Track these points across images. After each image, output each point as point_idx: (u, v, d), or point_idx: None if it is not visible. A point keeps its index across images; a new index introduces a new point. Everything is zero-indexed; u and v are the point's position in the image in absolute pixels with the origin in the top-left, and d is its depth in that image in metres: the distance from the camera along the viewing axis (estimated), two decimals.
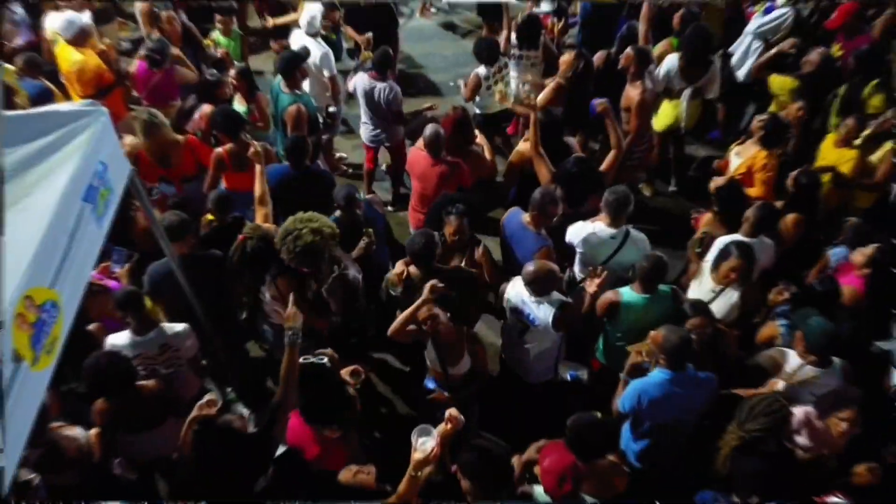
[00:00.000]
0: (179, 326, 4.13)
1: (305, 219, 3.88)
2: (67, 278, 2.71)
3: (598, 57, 6.03)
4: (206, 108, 5.71)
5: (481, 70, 6.14)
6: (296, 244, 3.79)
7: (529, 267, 4.06)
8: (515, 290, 4.23)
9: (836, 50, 6.12)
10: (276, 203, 4.82)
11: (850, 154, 5.18)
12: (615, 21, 6.84)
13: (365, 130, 6.20)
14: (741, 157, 5.30)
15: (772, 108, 5.93)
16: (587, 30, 7.18)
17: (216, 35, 6.47)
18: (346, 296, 4.04)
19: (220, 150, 5.16)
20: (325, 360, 3.60)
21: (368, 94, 5.89)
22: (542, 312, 4.09)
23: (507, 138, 6.99)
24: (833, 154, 5.23)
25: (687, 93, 5.96)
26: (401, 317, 3.86)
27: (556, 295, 4.10)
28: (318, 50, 6.04)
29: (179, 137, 5.24)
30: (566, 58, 5.68)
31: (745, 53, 6.47)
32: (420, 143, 5.15)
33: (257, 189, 4.49)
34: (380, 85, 5.84)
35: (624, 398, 3.78)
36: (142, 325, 3.99)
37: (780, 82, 5.79)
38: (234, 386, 5.19)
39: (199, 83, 6.05)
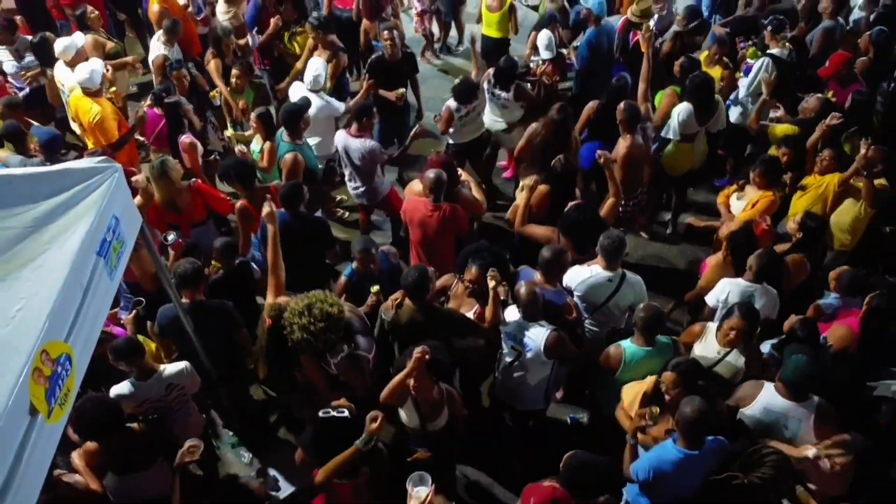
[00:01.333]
0: (180, 365, 4.20)
1: (309, 304, 3.84)
2: (81, 332, 2.81)
3: (589, 107, 6.17)
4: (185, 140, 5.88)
5: (451, 103, 6.28)
6: (304, 332, 3.81)
7: (521, 290, 4.20)
8: (509, 317, 4.35)
9: (829, 97, 6.25)
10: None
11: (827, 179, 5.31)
12: (611, 70, 7.02)
13: (349, 186, 6.18)
14: (742, 201, 5.40)
15: (772, 150, 6.05)
16: (583, 78, 7.36)
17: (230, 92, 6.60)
18: (357, 374, 4.09)
19: (241, 202, 5.26)
20: (346, 412, 3.60)
21: (346, 152, 5.90)
22: (534, 337, 4.18)
23: (479, 169, 7.02)
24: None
25: (701, 134, 6.11)
26: (391, 384, 3.84)
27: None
28: (319, 102, 6.17)
29: (188, 183, 5.36)
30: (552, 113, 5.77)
31: (743, 115, 6.63)
32: (416, 189, 5.24)
33: (270, 255, 4.35)
34: (356, 142, 5.80)
35: (637, 469, 3.75)
36: (142, 373, 4.05)
37: (781, 130, 5.88)
38: (237, 429, 5.23)
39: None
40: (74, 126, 6.49)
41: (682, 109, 5.99)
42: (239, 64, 6.56)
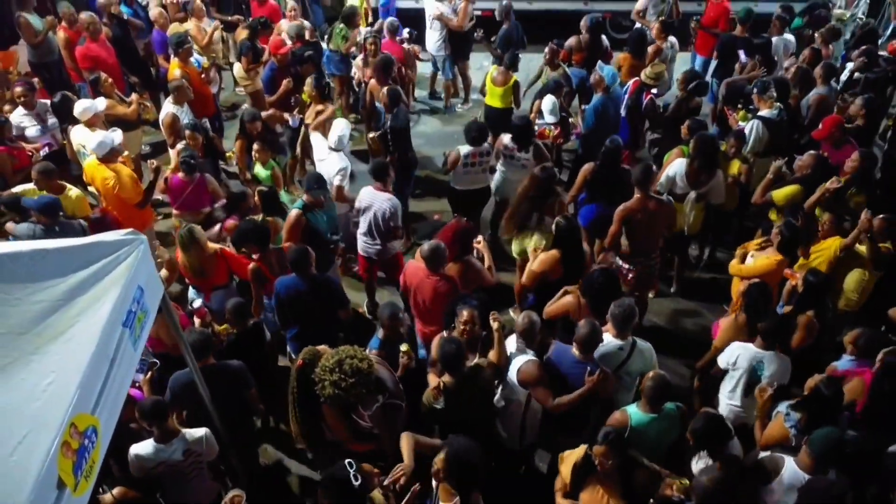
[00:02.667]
0: (200, 432, 4.24)
1: (339, 360, 3.88)
2: (107, 403, 2.87)
3: (585, 168, 6.32)
4: (230, 222, 5.96)
5: (463, 149, 6.52)
6: (335, 388, 3.85)
7: (521, 320, 4.50)
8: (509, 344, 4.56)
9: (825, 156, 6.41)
10: (288, 312, 5.04)
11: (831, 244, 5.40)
12: (616, 134, 7.20)
13: (361, 241, 6.23)
14: (755, 259, 5.46)
15: (772, 215, 6.20)
16: (589, 141, 7.51)
17: (256, 169, 6.68)
18: (390, 424, 4.12)
19: (254, 264, 5.36)
20: (360, 480, 3.52)
21: (370, 207, 6.00)
22: (515, 365, 4.36)
23: (478, 215, 7.19)
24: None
25: (691, 197, 6.22)
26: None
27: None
28: (339, 163, 6.36)
29: (216, 247, 5.47)
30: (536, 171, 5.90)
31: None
32: (418, 255, 5.33)
33: None
34: (382, 196, 5.93)
35: None
36: (165, 434, 4.09)
37: (784, 194, 5.99)
38: (244, 489, 5.21)
39: (227, 196, 6.39)
40: (91, 188, 6.64)
41: (674, 165, 6.17)
42: (259, 140, 6.67)
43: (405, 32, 8.71)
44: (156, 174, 6.19)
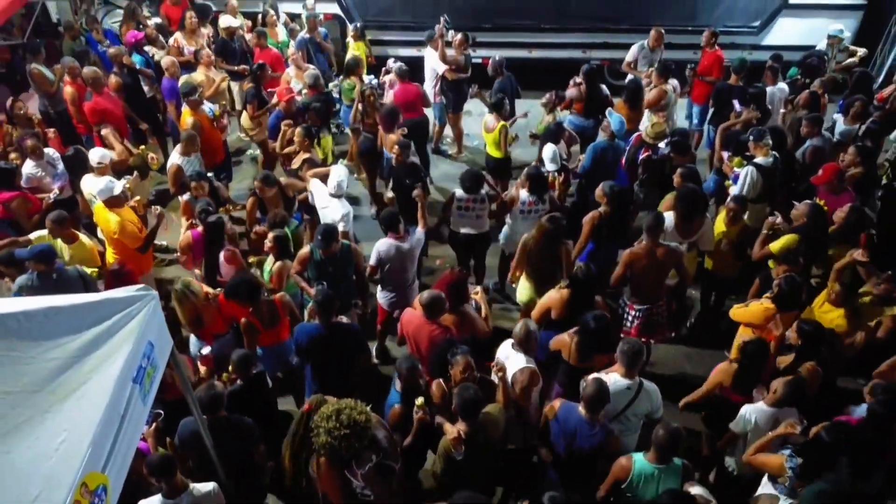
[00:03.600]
0: (208, 486, 4.24)
1: (338, 409, 3.89)
2: (117, 460, 2.92)
3: (592, 216, 6.36)
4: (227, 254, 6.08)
5: (458, 191, 6.65)
6: (329, 436, 3.84)
7: (517, 329, 4.84)
8: (501, 349, 4.93)
9: (821, 204, 6.52)
10: (308, 360, 5.12)
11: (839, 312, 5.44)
12: (614, 177, 7.33)
13: (384, 296, 6.27)
14: (750, 305, 5.53)
15: (771, 264, 6.27)
16: (584, 187, 7.58)
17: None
18: (384, 486, 4.13)
19: (245, 319, 5.42)
20: None
21: (388, 256, 6.03)
22: (513, 365, 4.70)
23: (480, 261, 7.25)
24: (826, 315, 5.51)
25: (682, 248, 6.29)
26: None
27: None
28: (341, 209, 6.49)
29: (213, 295, 5.54)
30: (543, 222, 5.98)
31: None
32: (415, 303, 5.40)
33: None
34: (404, 245, 6.01)
35: None
36: (173, 490, 4.10)
37: (781, 245, 6.04)
38: None
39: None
40: (100, 233, 6.74)
41: (666, 217, 6.26)
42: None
43: (374, 81, 8.86)
44: (159, 220, 6.27)
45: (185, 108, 7.79)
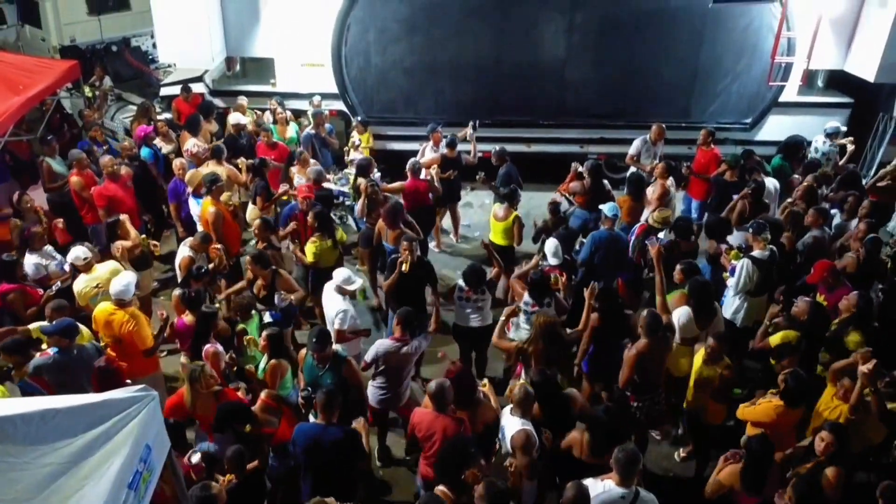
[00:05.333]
0: None
1: None
2: None
3: (594, 318, 6.33)
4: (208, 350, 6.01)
5: (461, 281, 6.68)
6: None
7: (517, 391, 4.96)
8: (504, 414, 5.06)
9: (821, 301, 6.53)
10: (306, 461, 4.99)
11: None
12: (616, 273, 7.38)
13: (374, 392, 6.18)
14: (759, 403, 5.42)
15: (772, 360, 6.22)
16: (585, 272, 7.57)
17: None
18: None
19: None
20: None
21: (385, 356, 5.98)
22: (508, 428, 4.81)
23: (482, 354, 7.21)
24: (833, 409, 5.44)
25: (701, 338, 6.24)
26: None
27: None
28: (341, 304, 6.47)
29: (216, 390, 5.46)
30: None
31: (736, 309, 6.98)
32: (426, 401, 5.33)
33: None
34: (405, 349, 5.96)
35: None
36: None
37: (780, 339, 6.06)
38: None
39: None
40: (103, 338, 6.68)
41: (682, 313, 6.24)
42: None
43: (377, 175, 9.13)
44: (165, 323, 6.24)
45: (206, 199, 7.85)
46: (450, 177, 9.28)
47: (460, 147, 9.65)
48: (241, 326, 6.18)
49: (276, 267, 7.04)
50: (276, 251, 7.65)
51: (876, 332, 6.34)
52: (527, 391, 4.97)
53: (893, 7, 10.07)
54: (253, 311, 6.49)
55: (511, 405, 5.06)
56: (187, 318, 6.23)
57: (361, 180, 8.61)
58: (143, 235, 7.96)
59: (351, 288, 6.54)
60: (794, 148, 9.53)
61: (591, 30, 10.87)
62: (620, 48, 10.91)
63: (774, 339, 6.06)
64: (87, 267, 6.73)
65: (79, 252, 6.71)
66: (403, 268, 6.83)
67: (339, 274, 6.58)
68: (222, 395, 5.47)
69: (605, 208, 7.63)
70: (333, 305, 6.49)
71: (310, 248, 7.45)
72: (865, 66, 10.69)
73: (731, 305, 7.03)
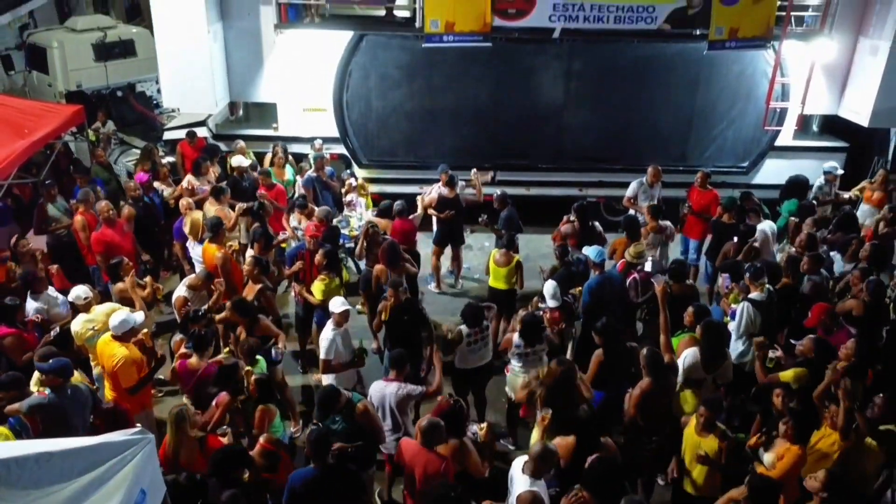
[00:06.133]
0: None
1: None
2: None
3: (596, 356, 6.30)
4: (224, 397, 5.93)
5: (464, 328, 6.64)
6: None
7: (536, 449, 4.70)
8: (514, 466, 4.80)
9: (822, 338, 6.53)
10: None
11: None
12: (620, 315, 7.33)
13: (388, 440, 6.03)
14: (771, 454, 5.33)
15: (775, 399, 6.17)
16: (587, 319, 7.51)
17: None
18: None
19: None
20: None
21: (382, 401, 5.95)
22: (517, 486, 4.55)
23: (480, 392, 7.14)
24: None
25: (708, 383, 6.18)
26: None
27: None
28: (328, 333, 6.44)
29: (201, 436, 5.37)
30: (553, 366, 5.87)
31: (741, 353, 6.93)
32: (416, 433, 5.25)
33: None
34: (391, 387, 5.89)
35: None
36: None
37: (791, 376, 6.03)
38: None
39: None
40: (96, 370, 6.67)
41: (689, 354, 6.19)
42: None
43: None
44: (158, 363, 6.21)
45: (207, 244, 7.86)
46: (447, 217, 9.31)
47: (470, 191, 9.80)
48: (247, 368, 6.11)
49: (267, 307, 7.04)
50: (269, 292, 7.64)
51: (881, 376, 6.33)
52: (547, 449, 4.65)
53: (884, 54, 10.31)
54: (258, 356, 6.46)
55: (525, 459, 4.77)
56: (191, 361, 6.18)
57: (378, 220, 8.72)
58: (149, 277, 7.94)
59: (339, 310, 6.51)
60: (801, 188, 9.55)
61: (589, 76, 11.11)
62: (617, 93, 11.14)
63: (786, 376, 6.02)
64: (86, 307, 6.73)
65: (80, 292, 6.73)
66: (383, 316, 6.82)
67: (334, 303, 6.60)
68: (206, 441, 5.37)
69: (590, 253, 7.60)
70: (323, 335, 6.49)
71: (318, 287, 7.43)
72: (859, 111, 10.89)
73: (735, 350, 6.97)
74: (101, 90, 14.13)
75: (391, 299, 6.85)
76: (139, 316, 6.35)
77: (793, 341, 6.48)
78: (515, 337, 6.55)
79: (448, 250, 10.12)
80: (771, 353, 6.47)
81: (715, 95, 11.16)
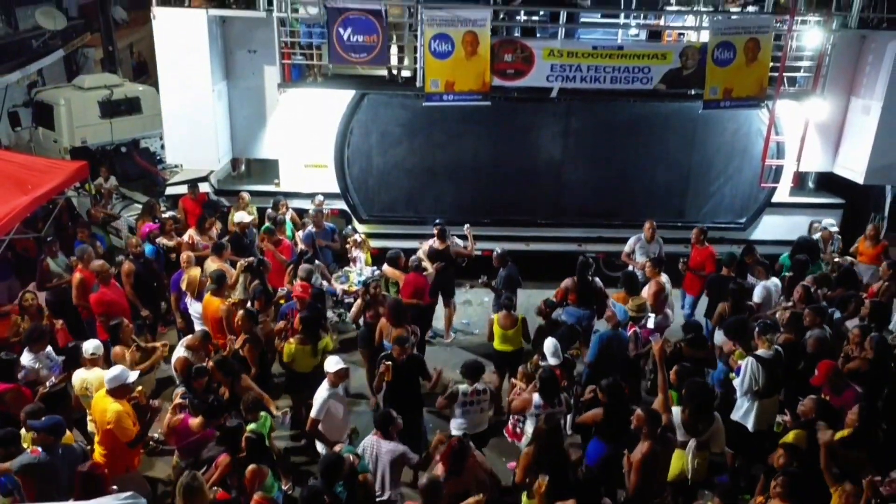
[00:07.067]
0: None
1: None
2: None
3: (595, 413, 6.27)
4: (223, 459, 5.81)
5: (461, 386, 6.56)
6: None
7: None
8: None
9: (825, 399, 6.40)
10: None
11: None
12: (620, 374, 7.26)
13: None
14: None
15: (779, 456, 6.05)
16: (592, 371, 7.56)
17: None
18: None
19: None
20: None
21: (376, 457, 5.87)
22: None
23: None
24: None
25: (692, 445, 6.14)
26: None
27: None
28: (322, 393, 6.43)
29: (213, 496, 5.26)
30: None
31: (746, 411, 6.86)
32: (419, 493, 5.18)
33: None
34: (387, 445, 5.83)
35: None
36: None
37: (792, 438, 5.95)
38: None
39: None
40: (91, 426, 6.56)
41: (678, 412, 6.15)
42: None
43: (377, 272, 9.36)
44: (153, 415, 6.12)
45: (209, 297, 7.89)
46: (437, 268, 9.38)
47: (460, 242, 9.85)
48: (250, 428, 6.01)
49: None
50: (258, 344, 7.58)
51: (886, 434, 6.23)
52: None
53: (876, 113, 10.53)
54: (262, 412, 6.37)
55: None
56: (193, 422, 6.07)
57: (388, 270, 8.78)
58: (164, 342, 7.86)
59: (333, 370, 6.45)
60: (804, 266, 9.33)
61: (587, 133, 11.29)
62: (615, 151, 11.32)
63: (787, 439, 5.94)
64: (92, 363, 6.70)
65: (90, 347, 6.74)
66: (386, 377, 6.72)
67: (329, 362, 6.53)
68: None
69: (618, 310, 7.74)
70: (318, 394, 6.43)
71: (286, 348, 7.36)
72: (854, 168, 11.06)
73: (740, 408, 6.91)
74: (106, 146, 14.33)
75: (398, 357, 6.79)
76: (133, 374, 6.26)
77: (800, 399, 6.40)
78: (536, 396, 6.44)
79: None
80: (779, 418, 6.41)
81: (711, 153, 11.34)
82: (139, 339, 7.95)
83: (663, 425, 5.78)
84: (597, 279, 9.04)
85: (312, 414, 6.39)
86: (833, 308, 8.18)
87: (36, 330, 7.12)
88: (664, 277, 8.85)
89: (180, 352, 7.16)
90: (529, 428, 6.51)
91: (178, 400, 6.39)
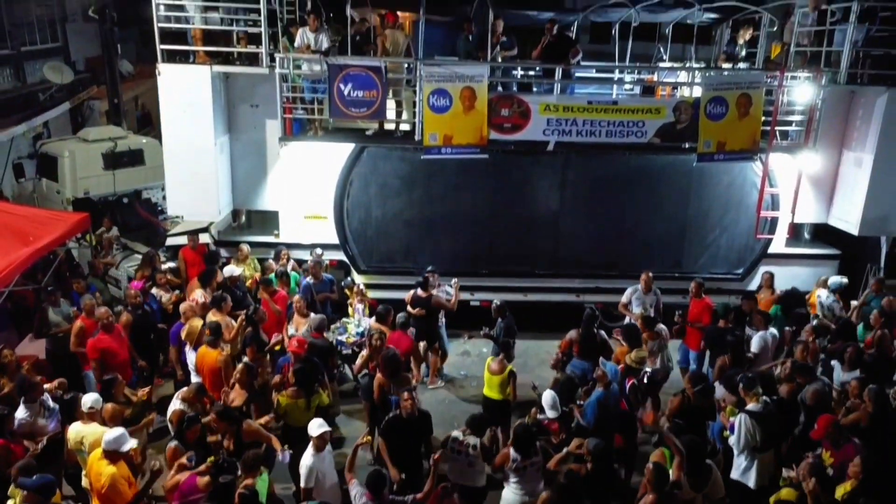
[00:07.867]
0: None
1: None
2: None
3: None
4: None
5: (454, 432, 6.61)
6: None
7: None
8: None
9: (827, 458, 6.35)
10: None
11: None
12: (616, 430, 7.24)
13: None
14: None
15: None
16: (588, 435, 7.46)
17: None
18: None
19: None
20: None
21: None
22: None
23: None
24: None
25: (698, 500, 6.04)
26: None
27: None
28: (308, 460, 6.35)
29: None
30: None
31: (746, 469, 6.78)
32: None
33: None
34: None
35: None
36: None
37: (784, 495, 5.91)
38: None
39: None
40: (85, 482, 6.49)
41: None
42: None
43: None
44: (153, 477, 6.01)
45: (205, 348, 7.89)
46: (417, 314, 9.46)
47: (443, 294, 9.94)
48: (244, 483, 5.93)
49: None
50: (258, 397, 7.54)
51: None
52: None
53: (868, 166, 10.68)
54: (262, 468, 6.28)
55: None
56: (201, 481, 5.94)
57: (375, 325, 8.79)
58: (142, 391, 7.81)
59: (315, 434, 6.39)
60: (802, 319, 9.39)
61: (583, 185, 11.43)
62: (611, 202, 11.44)
63: (780, 495, 5.88)
64: (90, 417, 6.63)
65: (88, 400, 6.68)
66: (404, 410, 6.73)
67: (312, 425, 6.47)
68: None
69: (607, 367, 7.71)
70: (303, 462, 6.36)
71: (280, 401, 7.30)
72: (848, 220, 11.18)
73: (739, 466, 6.82)
74: (108, 197, 14.49)
75: (406, 404, 6.79)
76: (131, 443, 6.19)
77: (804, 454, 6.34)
78: (511, 451, 6.40)
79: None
80: (785, 473, 6.33)
81: (706, 205, 11.46)
82: (133, 391, 7.89)
83: (672, 481, 5.78)
84: (602, 332, 9.02)
85: (302, 484, 6.31)
86: (834, 359, 8.16)
87: (24, 382, 7.07)
88: (658, 328, 8.86)
89: (176, 404, 7.12)
90: (512, 480, 6.45)
91: (183, 460, 6.29)
